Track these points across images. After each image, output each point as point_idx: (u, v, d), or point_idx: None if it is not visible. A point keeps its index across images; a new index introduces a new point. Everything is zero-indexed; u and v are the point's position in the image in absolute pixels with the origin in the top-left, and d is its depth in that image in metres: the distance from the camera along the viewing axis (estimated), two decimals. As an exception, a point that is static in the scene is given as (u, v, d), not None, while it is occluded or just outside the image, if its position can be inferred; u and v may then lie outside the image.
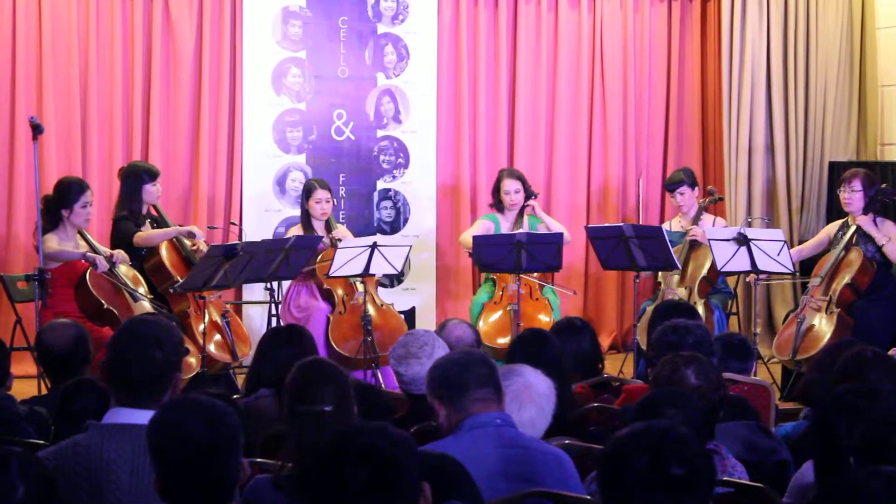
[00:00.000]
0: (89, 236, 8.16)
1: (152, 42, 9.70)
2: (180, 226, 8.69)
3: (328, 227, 9.01)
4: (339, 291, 8.81)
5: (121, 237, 8.31)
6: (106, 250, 8.08)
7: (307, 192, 8.99)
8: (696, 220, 9.25)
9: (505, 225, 9.40)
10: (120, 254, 8.08)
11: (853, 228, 8.69)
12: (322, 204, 8.92)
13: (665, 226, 9.55)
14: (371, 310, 8.61)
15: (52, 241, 7.85)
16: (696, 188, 9.44)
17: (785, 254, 8.38)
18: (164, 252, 8.39)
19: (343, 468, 2.80)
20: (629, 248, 8.56)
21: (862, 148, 11.01)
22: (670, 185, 9.45)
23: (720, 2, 10.79)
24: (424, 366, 4.92)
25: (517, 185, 9.40)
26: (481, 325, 8.99)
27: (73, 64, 9.45)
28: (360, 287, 8.68)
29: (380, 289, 9.34)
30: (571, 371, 5.72)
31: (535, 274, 9.08)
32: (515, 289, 8.71)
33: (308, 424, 3.90)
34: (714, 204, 9.66)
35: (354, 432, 2.89)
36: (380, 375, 8.48)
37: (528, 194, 9.42)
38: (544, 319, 8.99)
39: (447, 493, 3.35)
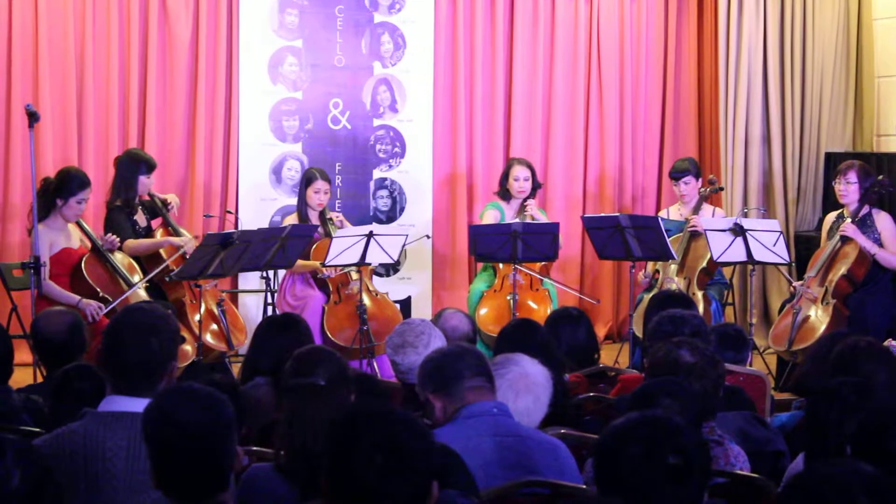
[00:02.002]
0: (86, 225, 8.13)
1: (149, 30, 9.68)
2: (172, 234, 8.58)
3: (323, 218, 9.00)
4: (334, 278, 8.79)
5: (113, 228, 8.28)
6: (95, 235, 8.12)
7: (307, 180, 8.96)
8: (696, 209, 9.25)
9: (509, 213, 9.41)
10: (111, 238, 8.07)
11: (848, 221, 8.69)
12: (320, 195, 8.91)
13: (663, 213, 9.57)
14: (366, 299, 8.60)
15: (43, 244, 7.79)
16: (700, 179, 9.45)
17: (781, 244, 8.38)
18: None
19: (360, 450, 2.80)
20: (625, 238, 8.56)
21: (858, 139, 11.01)
22: (675, 174, 9.44)
23: (717, -8, 10.80)
24: (421, 355, 4.92)
25: (527, 172, 9.41)
26: (481, 312, 8.99)
27: (70, 52, 9.43)
28: (355, 276, 8.67)
29: (375, 278, 9.34)
30: (561, 360, 5.72)
31: (538, 267, 9.08)
32: (516, 278, 8.70)
33: (300, 398, 3.91)
34: (715, 194, 9.67)
35: (377, 415, 2.89)
36: (375, 365, 8.48)
37: (535, 185, 9.45)
38: (543, 310, 8.96)
39: (443, 483, 3.36)
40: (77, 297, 7.76)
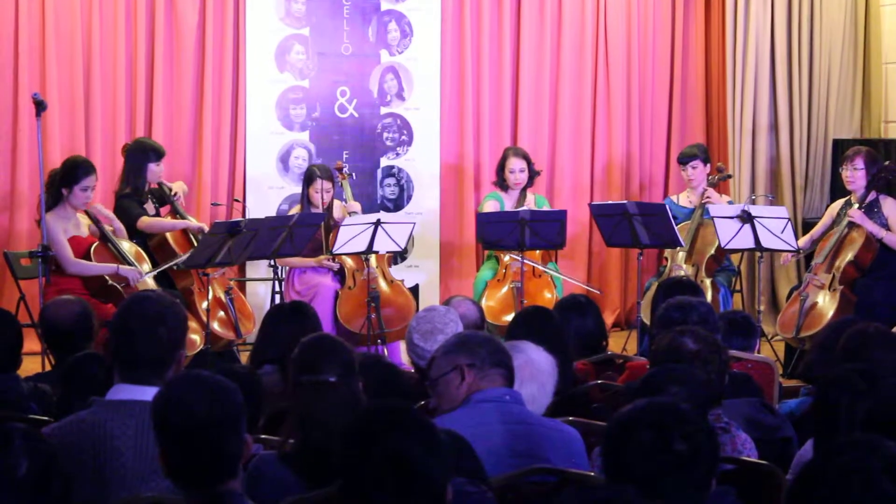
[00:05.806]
0: (93, 213, 8.15)
1: (155, 19, 9.68)
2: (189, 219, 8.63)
3: (329, 211, 8.95)
4: (350, 263, 8.73)
5: (124, 216, 8.31)
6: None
7: (308, 179, 8.91)
8: (703, 196, 9.23)
9: (509, 203, 9.39)
10: (116, 224, 8.11)
11: (855, 206, 8.69)
12: (321, 194, 8.82)
13: (672, 198, 9.57)
14: (383, 285, 8.59)
15: (56, 228, 7.81)
16: (708, 165, 9.43)
17: (789, 231, 8.38)
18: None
19: (372, 468, 2.78)
20: (633, 225, 8.55)
21: (866, 125, 11.00)
22: (683, 158, 9.42)
23: (724, -21, 10.77)
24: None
25: (522, 164, 9.40)
26: (485, 302, 8.97)
27: (77, 41, 9.43)
28: (374, 262, 8.59)
29: (387, 265, 9.32)
30: (573, 348, 5.72)
31: (538, 253, 9.07)
32: (519, 266, 8.69)
33: (311, 395, 3.91)
34: (724, 181, 9.65)
35: (389, 428, 2.85)
36: (386, 352, 8.45)
37: (532, 174, 9.43)
38: (547, 296, 8.97)
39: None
40: (115, 266, 7.85)
